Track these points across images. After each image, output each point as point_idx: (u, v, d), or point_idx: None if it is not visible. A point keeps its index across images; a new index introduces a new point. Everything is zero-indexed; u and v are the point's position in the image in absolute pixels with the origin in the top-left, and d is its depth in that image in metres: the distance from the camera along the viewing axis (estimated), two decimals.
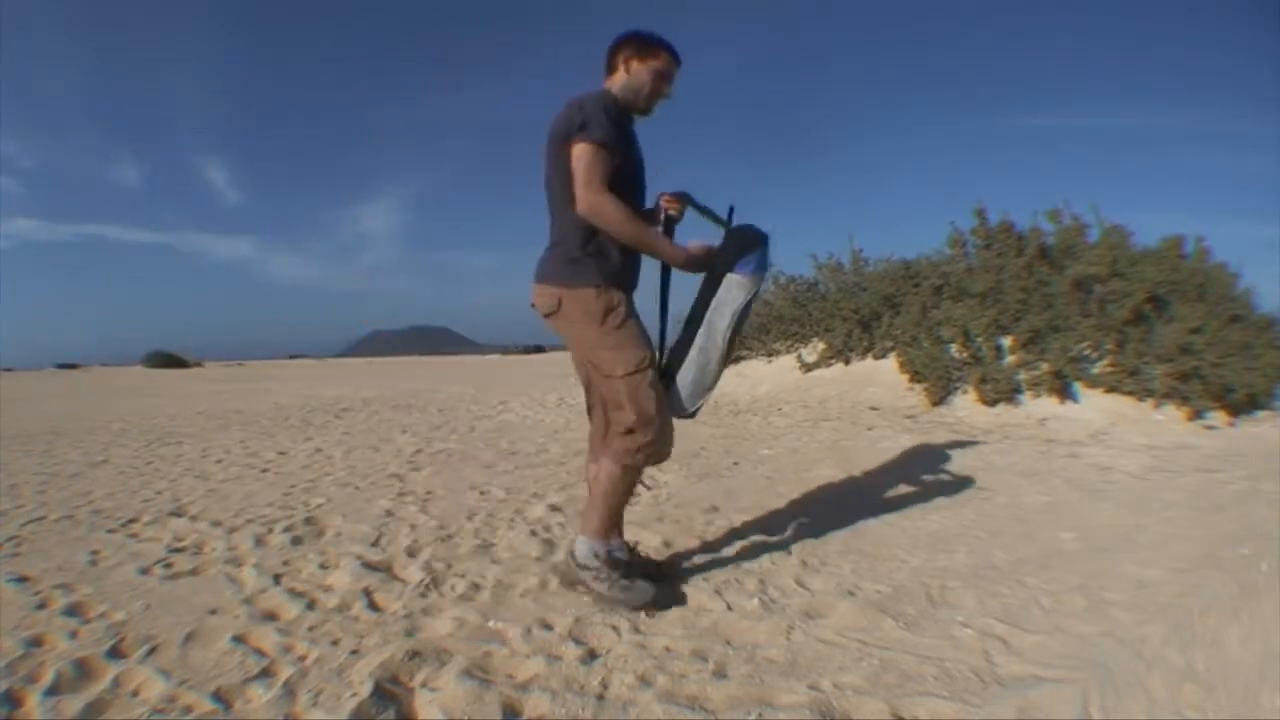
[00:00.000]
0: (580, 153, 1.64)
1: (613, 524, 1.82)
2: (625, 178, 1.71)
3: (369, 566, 2.08)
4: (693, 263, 1.76)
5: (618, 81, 1.78)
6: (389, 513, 2.75)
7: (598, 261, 1.71)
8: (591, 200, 1.63)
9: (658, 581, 1.83)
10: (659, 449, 1.73)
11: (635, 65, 1.77)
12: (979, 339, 5.22)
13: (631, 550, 1.89)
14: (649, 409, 1.69)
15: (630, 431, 1.70)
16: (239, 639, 1.58)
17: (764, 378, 6.72)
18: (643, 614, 1.69)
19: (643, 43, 1.77)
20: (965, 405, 4.94)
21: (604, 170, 1.64)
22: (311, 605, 1.79)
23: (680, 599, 1.79)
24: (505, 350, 38.61)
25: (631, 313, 1.76)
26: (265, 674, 1.42)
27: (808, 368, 6.55)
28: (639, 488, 1.77)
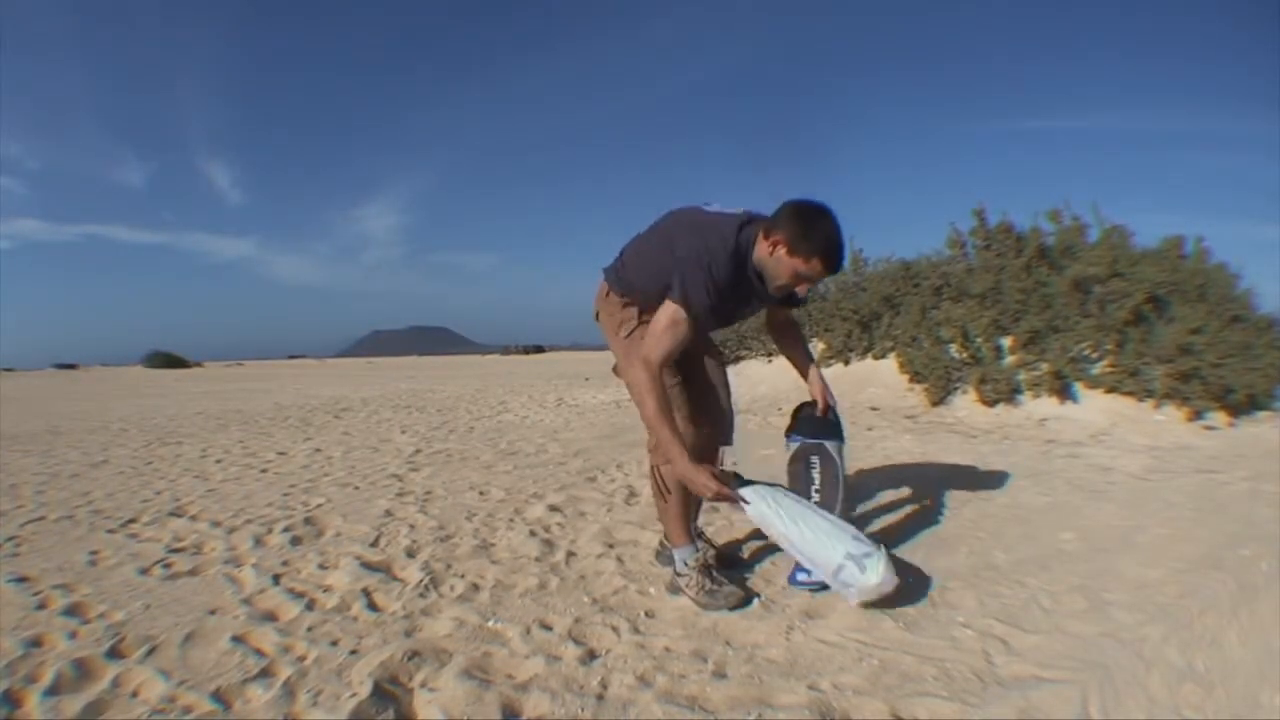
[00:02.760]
0: (666, 313, 1.60)
1: (683, 527, 1.82)
2: (708, 319, 1.68)
3: (368, 567, 2.07)
4: (697, 489, 1.63)
5: (761, 250, 1.61)
6: (388, 513, 2.75)
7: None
8: (638, 373, 1.59)
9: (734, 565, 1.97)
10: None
11: (782, 253, 1.57)
12: (979, 339, 5.22)
13: (708, 545, 1.97)
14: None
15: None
16: (238, 639, 1.58)
17: (763, 378, 6.72)
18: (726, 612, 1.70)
19: (803, 236, 1.55)
20: (965, 405, 4.93)
21: (676, 345, 1.60)
22: (311, 605, 1.79)
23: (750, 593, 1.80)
24: (505, 350, 38.61)
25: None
26: (265, 674, 1.42)
27: None
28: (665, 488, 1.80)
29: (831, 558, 1.58)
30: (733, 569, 1.97)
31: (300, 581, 1.97)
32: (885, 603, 1.61)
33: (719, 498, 1.60)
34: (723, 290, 1.61)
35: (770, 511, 1.63)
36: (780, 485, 1.74)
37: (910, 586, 1.77)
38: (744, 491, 1.64)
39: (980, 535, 2.23)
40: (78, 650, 1.52)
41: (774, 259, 1.58)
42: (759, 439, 4.15)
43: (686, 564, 1.79)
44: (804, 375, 1.99)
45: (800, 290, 1.63)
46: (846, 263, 1.65)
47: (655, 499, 1.89)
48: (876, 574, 1.55)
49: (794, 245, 1.55)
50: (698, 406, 1.83)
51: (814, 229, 1.55)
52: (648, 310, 1.74)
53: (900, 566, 1.97)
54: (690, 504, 1.83)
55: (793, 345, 2.01)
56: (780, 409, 5.51)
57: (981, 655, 1.43)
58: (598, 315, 1.89)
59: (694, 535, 1.85)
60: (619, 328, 1.80)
